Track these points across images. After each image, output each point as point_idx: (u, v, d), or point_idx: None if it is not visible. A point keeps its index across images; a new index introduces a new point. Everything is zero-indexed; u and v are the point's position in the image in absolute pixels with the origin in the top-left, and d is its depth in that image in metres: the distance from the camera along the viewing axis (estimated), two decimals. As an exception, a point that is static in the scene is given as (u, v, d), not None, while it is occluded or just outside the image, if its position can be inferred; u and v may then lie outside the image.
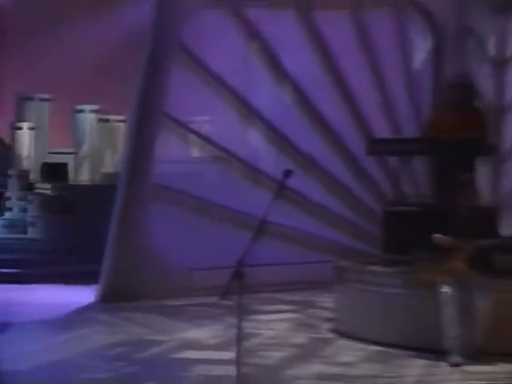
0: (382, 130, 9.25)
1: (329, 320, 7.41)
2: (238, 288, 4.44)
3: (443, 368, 5.99)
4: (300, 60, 9.42)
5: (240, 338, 4.52)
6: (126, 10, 10.48)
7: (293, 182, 9.21)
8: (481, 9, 9.34)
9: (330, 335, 7.07)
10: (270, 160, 9.29)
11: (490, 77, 9.32)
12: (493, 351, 6.13)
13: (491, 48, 9.35)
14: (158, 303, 8.25)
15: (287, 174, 4.71)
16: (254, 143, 9.52)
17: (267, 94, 9.49)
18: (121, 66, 9.89)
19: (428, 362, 6.13)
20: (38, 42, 11.37)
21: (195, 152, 9.52)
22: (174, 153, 9.21)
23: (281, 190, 4.72)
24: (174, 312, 8.00)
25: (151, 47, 8.64)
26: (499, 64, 9.34)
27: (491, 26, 9.33)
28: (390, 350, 6.44)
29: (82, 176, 11.74)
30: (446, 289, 6.17)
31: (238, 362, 4.51)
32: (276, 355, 6.46)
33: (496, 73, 9.34)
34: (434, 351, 6.15)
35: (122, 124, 11.47)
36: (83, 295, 8.58)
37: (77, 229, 10.05)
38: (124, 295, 8.23)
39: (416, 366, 6.09)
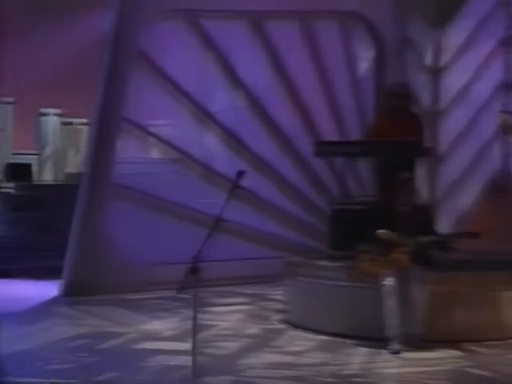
0: (329, 133, 9.31)
1: (280, 312, 7.43)
2: (194, 282, 4.44)
3: (384, 355, 6.05)
4: (253, 67, 9.44)
5: (195, 329, 4.52)
6: (89, 18, 10.37)
7: (246, 182, 9.28)
8: (419, 23, 9.45)
9: (281, 326, 7.09)
10: (225, 161, 9.29)
11: (426, 84, 9.43)
12: (429, 339, 6.20)
13: (428, 58, 9.47)
14: (118, 297, 8.19)
15: (240, 174, 4.75)
16: (210, 145, 9.51)
17: (222, 100, 9.50)
18: (83, 72, 9.78)
19: (371, 349, 6.18)
20: (2, 46, 11.18)
21: (154, 153, 9.48)
22: (134, 154, 9.17)
23: (234, 189, 4.75)
24: (133, 305, 7.95)
25: (111, 55, 8.60)
26: (435, 73, 9.46)
27: (428, 39, 9.44)
28: (337, 339, 6.49)
29: (46, 176, 11.60)
30: (387, 281, 6.23)
31: (193, 352, 4.51)
32: (230, 345, 6.45)
33: (432, 81, 9.46)
34: (377, 339, 6.20)
35: (84, 127, 11.36)
36: (46, 290, 8.48)
37: (40, 226, 9.93)
38: (86, 290, 8.16)
39: (360, 354, 6.13)
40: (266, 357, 6.11)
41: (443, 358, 6.01)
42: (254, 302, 8.18)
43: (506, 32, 9.24)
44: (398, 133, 7.23)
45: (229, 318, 7.49)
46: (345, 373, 5.65)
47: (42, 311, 7.76)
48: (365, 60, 9.78)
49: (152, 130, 9.19)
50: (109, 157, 8.69)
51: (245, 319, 7.46)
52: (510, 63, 9.25)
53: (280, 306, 7.52)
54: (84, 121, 11.31)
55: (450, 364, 5.87)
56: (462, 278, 6.55)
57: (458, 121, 9.34)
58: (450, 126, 9.39)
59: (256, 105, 9.44)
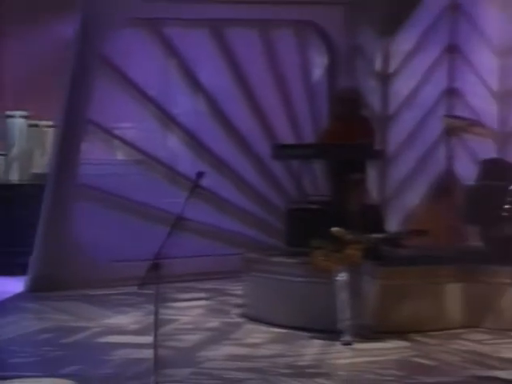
0: (286, 137, 9.32)
1: (238, 306, 7.40)
2: (155, 278, 4.40)
3: (337, 347, 6.07)
4: (213, 73, 9.42)
5: (157, 323, 4.48)
6: (55, 21, 10.22)
7: (206, 182, 9.26)
8: (368, 31, 9.52)
9: (239, 319, 7.06)
10: (187, 162, 9.25)
11: (376, 90, 9.50)
12: (379, 330, 6.25)
13: (377, 65, 9.53)
14: (83, 292, 8.09)
15: (200, 175, 4.74)
16: (173, 147, 9.46)
17: (184, 104, 9.46)
18: (50, 76, 9.64)
19: (324, 341, 6.19)
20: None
21: (119, 155, 9.41)
22: (100, 155, 9.08)
23: (194, 189, 4.73)
24: (98, 300, 7.86)
25: (76, 60, 8.52)
26: (384, 78, 9.53)
27: (377, 46, 9.50)
28: (292, 331, 6.48)
29: (12, 176, 11.43)
30: (340, 276, 6.25)
31: (155, 346, 4.47)
32: (191, 338, 6.41)
33: (381, 86, 9.53)
34: (330, 332, 6.21)
35: (50, 129, 11.21)
36: (12, 286, 8.35)
37: (7, 223, 9.76)
38: (51, 285, 8.06)
39: (314, 346, 6.14)
40: (225, 349, 6.08)
41: (391, 348, 6.05)
42: (213, 297, 8.14)
43: (451, 39, 9.34)
44: (350, 136, 7.26)
45: (190, 312, 7.44)
46: (299, 364, 5.66)
47: (7, 306, 7.63)
48: (319, 67, 9.82)
49: (117, 132, 9.12)
50: (74, 158, 8.61)
51: (205, 313, 7.41)
52: (455, 69, 9.36)
53: (239, 301, 7.49)
54: (50, 123, 11.16)
55: (398, 354, 5.91)
56: (409, 273, 6.60)
57: (406, 124, 9.41)
58: (398, 130, 9.45)
59: (216, 109, 9.41)
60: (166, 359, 5.12)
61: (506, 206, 4.52)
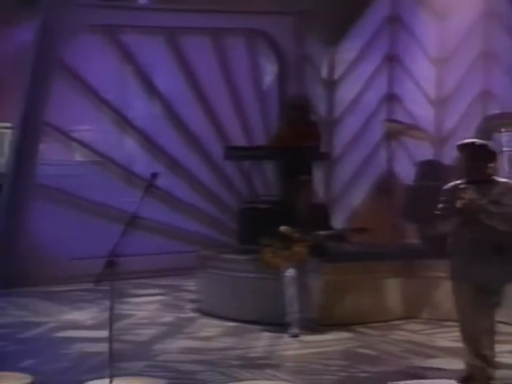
0: (238, 139, 9.29)
1: (192, 301, 7.34)
2: (111, 275, 4.36)
3: (285, 339, 6.08)
4: (169, 79, 9.34)
5: (112, 318, 4.43)
6: (13, 25, 9.99)
7: (162, 183, 9.17)
8: (316, 41, 9.56)
9: (193, 314, 7.01)
10: (143, 163, 9.15)
11: (322, 96, 9.55)
12: (324, 323, 6.27)
13: (323, 72, 9.58)
14: (41, 289, 7.94)
15: (154, 176, 4.72)
16: (129, 149, 9.35)
17: (140, 108, 9.36)
18: (7, 79, 9.43)
19: (273, 334, 6.19)
20: None
21: (78, 156, 9.26)
22: (58, 157, 8.93)
23: (149, 188, 4.71)
24: (56, 297, 7.72)
25: (34, 64, 8.37)
26: (330, 85, 9.58)
27: (323, 55, 9.55)
28: (243, 325, 6.46)
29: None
30: (288, 272, 6.25)
31: (110, 339, 4.42)
32: (147, 332, 6.34)
33: (327, 92, 9.58)
34: (279, 325, 6.21)
35: (8, 131, 10.97)
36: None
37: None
38: (9, 282, 7.87)
39: (264, 338, 6.14)
40: (179, 342, 6.03)
41: (336, 339, 6.08)
42: (169, 293, 8.07)
43: (390, 49, 9.44)
44: (299, 140, 7.30)
45: (146, 307, 7.36)
46: (250, 355, 5.64)
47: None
48: (269, 74, 9.82)
49: (75, 134, 8.98)
50: (32, 159, 8.47)
51: (160, 308, 7.34)
52: (394, 77, 9.46)
53: (193, 296, 7.44)
54: (8, 125, 10.93)
55: (342, 345, 5.95)
56: (352, 268, 6.65)
57: (350, 128, 9.48)
58: (343, 133, 9.52)
59: (171, 112, 9.34)
60: (121, 353, 5.05)
61: (440, 205, 4.56)
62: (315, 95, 9.41)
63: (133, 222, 4.59)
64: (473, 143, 4.56)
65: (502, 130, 6.98)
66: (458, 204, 4.38)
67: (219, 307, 6.81)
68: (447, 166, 7.46)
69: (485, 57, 9.05)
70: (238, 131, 9.48)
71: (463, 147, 4.54)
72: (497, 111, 8.01)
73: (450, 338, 5.86)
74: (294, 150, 7.25)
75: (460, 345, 4.62)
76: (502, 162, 7.55)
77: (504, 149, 7.80)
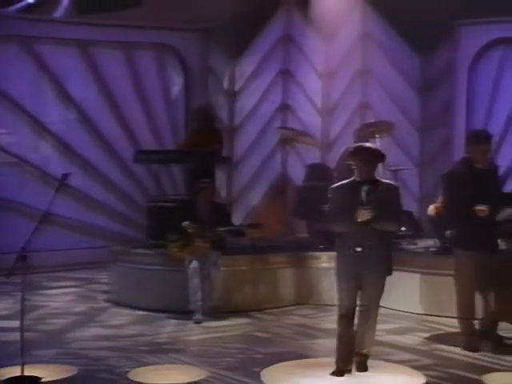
0: (148, 143, 9.15)
1: (105, 292, 7.17)
2: (23, 268, 4.24)
3: (190, 325, 6.02)
4: (83, 88, 9.06)
5: (23, 308, 4.29)
6: None
7: (76, 182, 8.83)
8: (218, 55, 9.53)
9: (105, 304, 6.84)
10: (58, 165, 8.83)
11: (224, 105, 9.55)
12: (224, 310, 6.26)
13: (225, 84, 9.58)
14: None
15: (65, 176, 4.68)
16: (45, 151, 9.02)
17: (56, 114, 9.04)
18: None
19: (179, 321, 6.12)
20: None
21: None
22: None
23: (60, 188, 4.67)
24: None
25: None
26: (231, 96, 9.59)
27: (225, 68, 9.54)
28: (151, 313, 6.35)
29: None
30: (191, 264, 6.20)
31: (21, 328, 4.28)
32: (59, 322, 6.12)
33: (228, 102, 9.59)
34: (183, 313, 6.15)
35: None
36: None
37: None
38: None
39: (170, 325, 6.06)
40: (91, 331, 5.86)
41: (235, 324, 6.08)
42: (82, 285, 7.82)
43: (284, 65, 9.55)
44: (203, 145, 7.28)
45: (59, 299, 7.11)
46: (157, 341, 5.55)
47: None
48: (176, 84, 9.73)
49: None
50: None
51: (74, 299, 7.11)
52: (287, 89, 9.58)
53: (105, 288, 7.26)
54: None
55: (240, 329, 5.95)
56: (249, 260, 6.66)
57: (249, 135, 9.53)
58: (242, 139, 9.56)
59: (85, 118, 9.08)
60: (34, 341, 4.85)
61: (330, 205, 4.59)
62: (218, 105, 9.42)
63: (45, 218, 4.51)
64: (369, 148, 4.57)
65: (376, 135, 7.22)
66: (357, 219, 4.37)
67: (129, 297, 6.68)
68: (332, 168, 7.63)
69: (363, 73, 9.31)
70: (148, 136, 9.35)
71: (360, 151, 4.51)
72: (372, 120, 8.28)
73: (330, 320, 5.93)
74: (198, 154, 7.23)
75: (336, 326, 4.66)
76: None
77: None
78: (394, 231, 4.73)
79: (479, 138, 5.27)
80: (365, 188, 4.46)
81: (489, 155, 5.32)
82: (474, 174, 5.17)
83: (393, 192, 4.55)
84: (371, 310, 4.57)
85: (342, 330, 4.54)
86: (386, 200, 4.47)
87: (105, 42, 9.07)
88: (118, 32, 9.05)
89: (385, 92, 9.18)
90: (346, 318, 4.53)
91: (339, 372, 4.57)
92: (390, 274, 4.58)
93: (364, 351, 4.61)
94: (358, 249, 4.45)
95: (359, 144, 4.71)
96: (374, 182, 4.53)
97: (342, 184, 4.61)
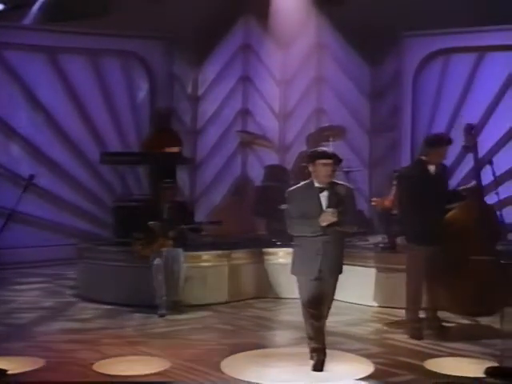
0: (114, 145, 8.98)
1: (72, 288, 7.02)
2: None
3: (154, 318, 5.94)
4: (51, 92, 8.82)
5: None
6: None
7: (44, 183, 8.61)
8: (182, 62, 9.42)
9: (72, 299, 6.69)
10: (27, 166, 8.60)
11: (188, 109, 9.46)
12: (187, 304, 6.20)
13: (189, 89, 9.50)
14: None
15: (31, 177, 4.81)
16: (15, 154, 8.76)
17: (25, 118, 8.81)
18: None
19: (144, 315, 6.03)
20: None
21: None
22: None
23: (27, 188, 4.77)
24: None
25: None
26: (194, 100, 9.50)
27: (189, 74, 9.44)
28: (118, 307, 6.24)
29: None
30: (156, 261, 6.11)
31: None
32: (28, 316, 5.96)
33: (192, 107, 9.51)
34: (148, 307, 6.06)
35: None
36: None
37: None
38: None
39: (135, 319, 5.96)
40: (58, 324, 5.73)
41: (198, 317, 6.01)
42: (51, 281, 7.63)
43: (244, 72, 9.52)
44: (166, 146, 7.21)
45: (28, 294, 6.93)
46: (123, 334, 5.45)
47: None
48: (142, 90, 9.60)
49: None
50: None
51: (42, 295, 6.94)
52: (247, 95, 9.55)
53: (73, 284, 7.11)
54: None
55: (204, 322, 5.89)
56: (211, 256, 6.60)
57: (211, 137, 9.47)
58: (205, 142, 9.50)
59: (53, 122, 8.88)
60: (2, 335, 4.68)
61: (289, 206, 4.52)
62: (182, 109, 9.34)
63: (11, 217, 4.46)
64: (333, 153, 4.52)
65: (330, 139, 7.27)
66: (322, 223, 4.32)
67: (96, 292, 6.56)
68: (289, 169, 7.63)
69: (318, 80, 9.35)
70: (114, 139, 9.20)
71: (318, 155, 4.43)
72: (326, 124, 8.33)
73: (287, 312, 6.00)
74: (160, 155, 7.15)
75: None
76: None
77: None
78: (352, 232, 4.71)
79: (441, 142, 5.29)
80: (325, 192, 4.43)
81: (444, 158, 5.34)
82: (427, 174, 5.21)
83: (349, 194, 4.53)
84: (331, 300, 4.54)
85: (312, 318, 4.45)
86: (346, 202, 4.44)
87: (73, 48, 8.89)
88: (85, 39, 8.88)
89: (338, 98, 9.24)
90: (312, 307, 4.44)
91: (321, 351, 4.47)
92: (341, 272, 4.57)
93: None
94: (320, 252, 4.39)
95: (317, 148, 4.68)
96: (332, 185, 4.49)
97: (299, 186, 4.57)
